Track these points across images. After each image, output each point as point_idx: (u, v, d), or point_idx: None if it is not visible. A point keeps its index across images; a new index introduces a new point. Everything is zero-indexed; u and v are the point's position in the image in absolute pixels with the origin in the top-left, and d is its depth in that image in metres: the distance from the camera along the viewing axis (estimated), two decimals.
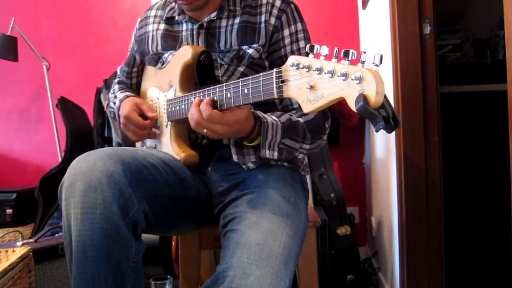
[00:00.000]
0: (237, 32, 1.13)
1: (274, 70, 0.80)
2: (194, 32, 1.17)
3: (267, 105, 1.15)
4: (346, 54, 0.68)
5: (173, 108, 1.10)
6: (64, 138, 2.29)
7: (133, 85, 1.37)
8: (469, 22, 2.77)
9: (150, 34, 1.24)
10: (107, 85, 2.29)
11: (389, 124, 0.65)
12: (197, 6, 1.13)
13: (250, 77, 0.85)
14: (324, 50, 0.72)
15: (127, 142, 1.36)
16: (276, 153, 1.01)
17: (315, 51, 0.73)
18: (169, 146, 1.13)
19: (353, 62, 0.68)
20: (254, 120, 0.96)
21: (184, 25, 1.19)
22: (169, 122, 1.14)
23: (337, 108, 2.27)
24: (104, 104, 2.32)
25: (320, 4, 2.49)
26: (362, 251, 2.38)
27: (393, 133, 1.66)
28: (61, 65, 2.59)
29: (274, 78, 0.80)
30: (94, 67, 2.58)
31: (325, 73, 0.69)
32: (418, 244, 1.57)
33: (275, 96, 0.80)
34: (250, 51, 1.11)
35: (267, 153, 1.00)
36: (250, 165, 1.05)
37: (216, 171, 1.13)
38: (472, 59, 2.70)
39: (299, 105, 1.09)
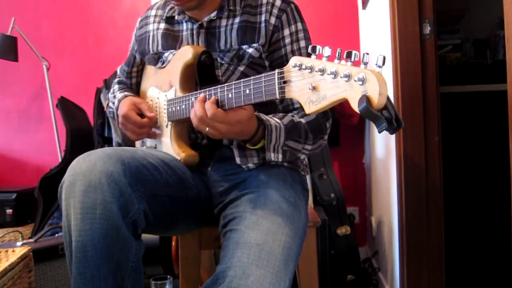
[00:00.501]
0: (237, 31, 1.13)
1: (276, 70, 0.80)
2: (194, 32, 1.17)
3: (268, 106, 1.15)
4: (349, 55, 0.68)
5: (174, 108, 1.10)
6: (64, 138, 2.29)
7: (133, 85, 1.37)
8: (469, 22, 2.77)
9: (151, 33, 1.24)
10: (107, 85, 2.29)
11: (392, 125, 0.65)
12: (191, 7, 1.13)
13: (252, 77, 0.85)
14: (327, 51, 0.72)
15: (127, 142, 1.36)
16: (280, 156, 1.02)
17: (317, 52, 0.73)
18: (169, 146, 1.13)
19: (355, 64, 0.68)
20: (257, 123, 0.96)
21: (184, 24, 1.19)
22: (169, 122, 1.14)
23: (337, 108, 2.27)
24: (104, 104, 2.32)
25: (320, 4, 2.49)
26: (362, 251, 2.38)
27: None
28: (61, 65, 2.59)
29: (276, 78, 0.80)
30: (94, 67, 2.58)
31: (328, 74, 0.69)
32: (418, 244, 1.57)
33: (277, 96, 0.80)
34: (250, 50, 1.11)
35: (272, 156, 1.00)
36: (250, 165, 1.06)
37: (216, 171, 1.13)
38: (472, 59, 2.70)
39: (300, 104, 1.10)
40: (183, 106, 1.06)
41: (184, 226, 1.15)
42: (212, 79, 1.08)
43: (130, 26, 1.40)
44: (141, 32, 1.27)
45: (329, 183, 2.14)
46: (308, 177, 1.32)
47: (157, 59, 1.22)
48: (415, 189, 1.57)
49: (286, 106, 1.13)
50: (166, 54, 1.19)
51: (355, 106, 0.65)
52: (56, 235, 1.78)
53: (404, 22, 1.56)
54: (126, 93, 1.26)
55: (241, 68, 1.12)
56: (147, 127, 1.16)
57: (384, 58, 0.65)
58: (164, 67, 1.19)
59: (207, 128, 0.93)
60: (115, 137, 2.18)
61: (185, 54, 1.10)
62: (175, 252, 1.83)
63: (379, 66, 0.65)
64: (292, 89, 0.77)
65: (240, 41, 1.12)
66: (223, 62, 1.13)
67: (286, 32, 1.12)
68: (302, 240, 0.97)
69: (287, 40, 1.12)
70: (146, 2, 2.53)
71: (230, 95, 0.90)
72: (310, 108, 0.74)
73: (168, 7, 1.22)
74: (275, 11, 1.12)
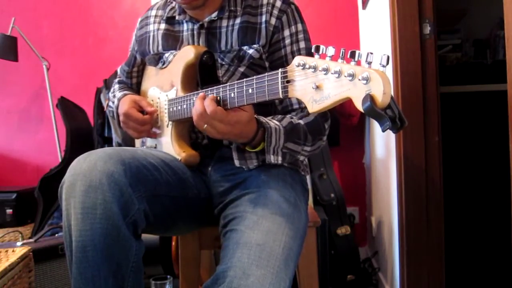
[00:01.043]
0: (237, 32, 1.13)
1: (280, 70, 0.80)
2: (195, 32, 1.17)
3: (267, 106, 1.15)
4: (352, 55, 0.68)
5: (175, 108, 1.10)
6: (64, 138, 2.29)
7: (133, 85, 1.37)
8: (469, 22, 2.77)
9: (151, 34, 1.24)
10: (107, 85, 2.30)
11: (396, 124, 0.66)
12: (196, 5, 1.13)
13: (254, 77, 0.85)
14: (330, 50, 0.72)
15: (127, 142, 1.36)
16: (280, 158, 1.02)
17: (320, 52, 0.73)
18: (170, 146, 1.13)
19: (358, 63, 0.68)
20: (257, 126, 0.95)
21: (185, 25, 1.19)
22: (170, 122, 1.14)
23: (337, 108, 2.27)
24: (104, 104, 2.32)
25: (320, 4, 2.49)
26: (362, 251, 2.38)
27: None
28: (61, 65, 2.59)
29: (279, 78, 0.80)
30: (94, 67, 2.58)
31: (332, 73, 0.69)
32: (418, 244, 1.57)
33: (280, 96, 0.80)
34: (251, 51, 1.11)
35: (272, 159, 1.00)
36: (251, 165, 1.05)
37: (216, 171, 1.13)
38: (472, 59, 2.70)
39: (298, 105, 1.11)
40: (184, 106, 1.05)
41: (184, 226, 1.15)
42: (214, 79, 1.08)
43: (130, 27, 1.40)
44: (142, 33, 1.27)
45: (329, 183, 2.14)
46: (308, 177, 1.32)
47: (158, 59, 1.22)
48: (415, 189, 1.57)
49: (285, 107, 1.13)
50: (166, 55, 1.19)
51: (359, 105, 0.65)
52: (56, 235, 1.78)
53: (404, 22, 1.56)
54: (126, 91, 1.26)
55: (241, 69, 1.13)
56: (149, 124, 1.16)
57: (388, 57, 0.65)
58: (165, 67, 1.20)
59: (205, 125, 0.92)
60: (115, 137, 2.18)
61: (187, 54, 1.10)
62: (175, 252, 1.83)
63: (383, 66, 0.65)
64: (295, 88, 0.77)
65: (240, 42, 1.12)
66: (223, 63, 1.13)
67: (286, 33, 1.12)
68: (302, 240, 0.97)
69: (287, 41, 1.12)
70: (146, 2, 2.53)
71: (232, 95, 0.90)
72: (314, 107, 0.74)
73: (169, 8, 1.22)
74: (275, 11, 1.12)
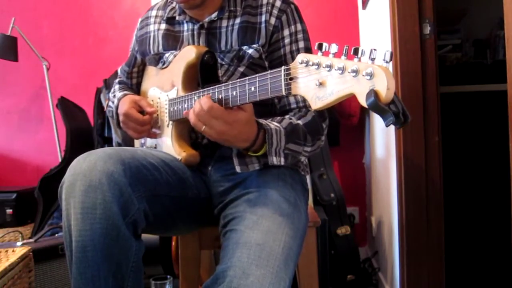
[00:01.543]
0: (237, 32, 1.13)
1: (283, 67, 0.80)
2: (195, 32, 1.17)
3: (267, 106, 1.15)
4: (356, 51, 0.69)
5: (175, 108, 1.10)
6: (64, 138, 2.29)
7: (134, 85, 1.37)
8: (469, 22, 2.77)
9: (151, 34, 1.24)
10: (107, 85, 2.30)
11: (399, 119, 0.66)
12: (194, 5, 1.13)
13: (257, 75, 0.85)
14: (333, 48, 0.72)
15: (127, 142, 1.36)
16: (282, 159, 1.00)
17: (323, 49, 0.74)
18: (170, 146, 1.13)
19: (361, 60, 0.69)
20: (257, 128, 0.94)
21: (185, 25, 1.19)
22: (170, 122, 1.14)
23: (337, 108, 2.27)
24: (104, 104, 2.32)
25: (320, 4, 2.49)
26: (362, 251, 2.38)
27: (393, 133, 1.66)
28: (61, 65, 2.59)
29: (282, 75, 0.80)
30: (94, 67, 2.58)
31: (335, 69, 0.70)
32: (418, 244, 1.57)
33: (283, 93, 0.80)
34: (250, 51, 1.11)
35: (274, 160, 0.98)
36: (252, 169, 1.05)
37: (216, 171, 1.13)
38: (472, 59, 2.70)
39: (296, 105, 1.11)
40: (185, 105, 1.05)
41: (184, 226, 1.15)
42: (214, 79, 1.08)
43: (130, 27, 1.40)
44: (142, 33, 1.27)
45: (329, 183, 2.14)
46: (308, 177, 1.32)
47: (158, 59, 1.22)
48: (415, 189, 1.57)
49: (283, 106, 1.13)
50: (166, 55, 1.19)
51: (362, 101, 0.66)
52: (56, 235, 1.78)
53: (404, 22, 1.56)
54: (126, 91, 1.26)
55: (241, 69, 1.13)
56: (149, 124, 1.16)
57: (392, 53, 0.66)
58: (166, 67, 1.20)
59: (204, 127, 0.91)
60: (115, 137, 2.18)
61: (188, 54, 1.10)
62: (175, 252, 1.83)
63: (386, 62, 0.66)
64: (298, 86, 0.77)
65: (240, 41, 1.12)
66: (223, 62, 1.13)
67: (286, 32, 1.12)
68: (302, 240, 0.97)
69: (287, 41, 1.12)
70: (146, 2, 2.53)
71: (234, 93, 0.89)
72: (317, 104, 0.74)
73: (169, 8, 1.22)
74: (275, 11, 1.12)
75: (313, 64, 0.74)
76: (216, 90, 0.93)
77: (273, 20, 1.12)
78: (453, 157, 2.28)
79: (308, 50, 1.13)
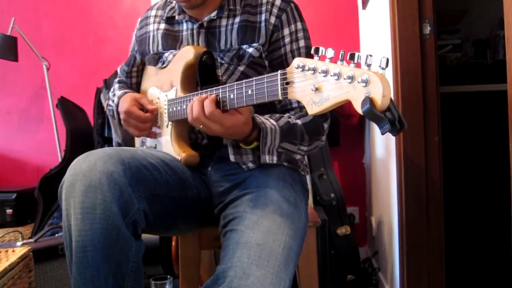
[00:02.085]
0: (237, 31, 1.13)
1: (279, 72, 0.80)
2: (195, 32, 1.17)
3: (267, 106, 1.15)
4: (352, 57, 0.68)
5: (174, 108, 1.10)
6: (64, 138, 2.29)
7: (133, 84, 1.37)
8: (469, 22, 2.77)
9: (151, 34, 1.24)
10: (107, 85, 2.29)
11: (395, 127, 0.65)
12: (195, 4, 1.13)
13: (254, 78, 0.85)
14: (330, 52, 0.72)
15: (127, 142, 1.36)
16: (275, 158, 1.02)
17: (320, 54, 0.73)
18: (169, 146, 1.13)
19: (358, 65, 0.68)
20: (252, 126, 0.97)
21: (185, 24, 1.19)
22: (169, 122, 1.14)
23: (337, 108, 2.26)
24: (104, 104, 2.32)
25: (320, 4, 2.49)
26: (362, 251, 2.38)
27: None
28: (61, 65, 2.59)
29: (279, 80, 0.80)
30: (94, 67, 2.58)
31: (331, 75, 0.70)
32: (418, 244, 1.57)
33: (280, 97, 0.80)
34: (250, 50, 1.11)
35: (267, 158, 1.01)
36: (250, 165, 1.06)
37: (216, 171, 1.13)
38: (472, 59, 2.70)
39: (297, 104, 1.11)
40: (184, 106, 1.05)
41: (184, 226, 1.15)
42: (213, 79, 1.08)
43: (130, 26, 1.40)
44: (141, 33, 1.27)
45: (329, 183, 2.14)
46: (308, 177, 1.32)
47: (157, 59, 1.22)
48: (415, 189, 1.57)
49: (284, 105, 1.13)
50: (166, 55, 1.19)
51: (358, 108, 0.65)
52: (56, 235, 1.78)
53: (404, 22, 1.56)
54: (126, 90, 1.26)
55: (241, 68, 1.13)
56: (150, 121, 1.16)
57: (388, 60, 0.65)
58: (165, 67, 1.19)
59: (201, 126, 0.94)
60: (115, 137, 2.18)
61: (186, 54, 1.10)
62: (175, 252, 1.83)
63: (383, 68, 0.65)
64: (294, 90, 0.77)
65: (240, 40, 1.12)
66: (223, 62, 1.13)
67: (286, 31, 1.12)
68: (302, 240, 0.97)
69: (287, 40, 1.12)
70: (146, 2, 2.53)
71: (232, 96, 0.90)
72: (313, 109, 0.74)
73: (168, 8, 1.22)
74: (275, 10, 1.12)
75: (309, 69, 0.74)
76: (214, 91, 0.94)
77: (273, 19, 1.12)
78: (453, 157, 2.28)
79: (308, 49, 1.13)
